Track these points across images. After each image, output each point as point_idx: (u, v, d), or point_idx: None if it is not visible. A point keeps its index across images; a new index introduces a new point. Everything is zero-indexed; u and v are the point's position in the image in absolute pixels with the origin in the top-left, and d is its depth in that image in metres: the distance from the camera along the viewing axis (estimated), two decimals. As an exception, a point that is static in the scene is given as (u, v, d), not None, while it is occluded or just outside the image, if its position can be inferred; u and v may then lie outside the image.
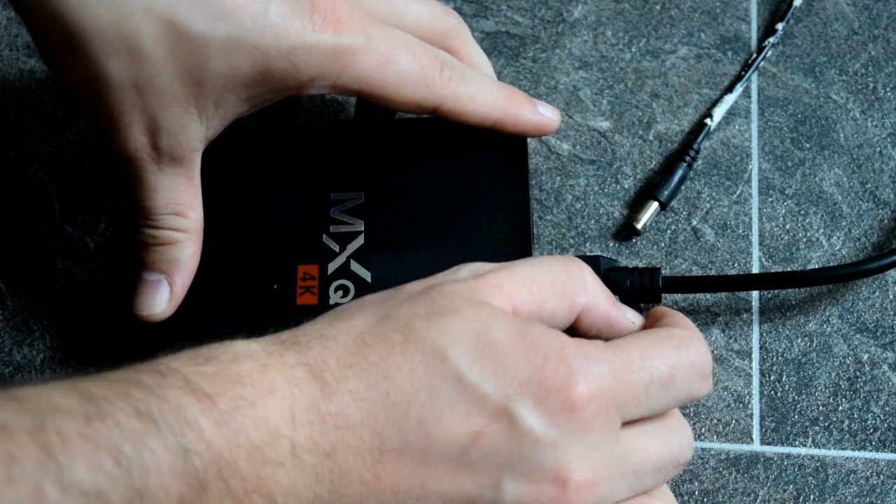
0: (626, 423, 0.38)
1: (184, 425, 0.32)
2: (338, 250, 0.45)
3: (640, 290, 0.45)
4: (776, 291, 0.48)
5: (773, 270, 0.49)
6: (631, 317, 0.42)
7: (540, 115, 0.47)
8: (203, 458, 0.32)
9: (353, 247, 0.45)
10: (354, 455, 0.35)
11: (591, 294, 0.40)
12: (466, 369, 0.35)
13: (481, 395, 0.35)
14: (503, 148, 0.47)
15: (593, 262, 0.46)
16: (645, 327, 0.42)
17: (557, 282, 0.39)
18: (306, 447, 0.34)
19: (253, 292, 0.45)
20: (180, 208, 0.44)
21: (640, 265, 0.49)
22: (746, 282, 0.47)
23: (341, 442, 0.35)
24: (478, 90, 0.45)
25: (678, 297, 0.48)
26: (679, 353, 0.39)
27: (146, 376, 0.33)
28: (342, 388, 0.35)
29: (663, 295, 0.46)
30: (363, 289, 0.44)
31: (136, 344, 0.48)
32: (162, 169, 0.43)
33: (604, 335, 0.41)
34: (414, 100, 0.44)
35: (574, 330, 0.40)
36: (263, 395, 0.34)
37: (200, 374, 0.34)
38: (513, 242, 0.45)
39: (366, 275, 0.45)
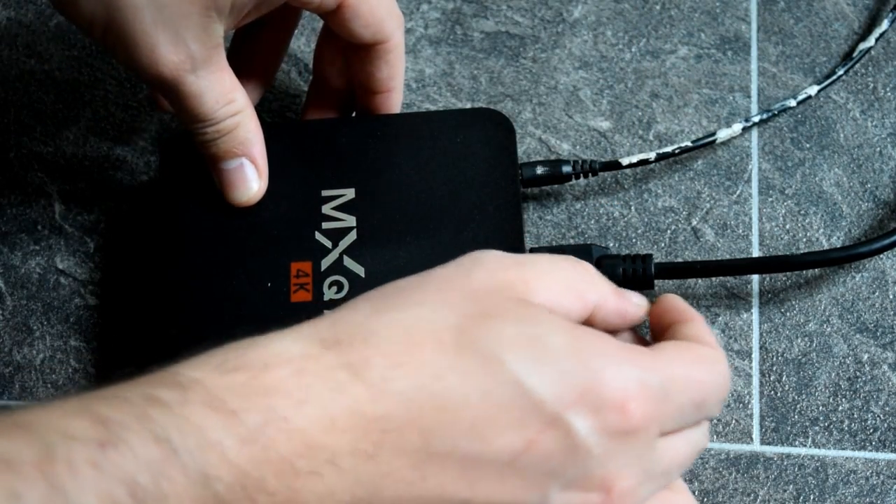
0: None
1: (206, 448, 0.31)
2: (330, 246, 0.45)
3: (632, 276, 0.46)
4: (777, 292, 0.48)
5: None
6: (636, 300, 0.41)
7: None
8: (225, 481, 0.31)
9: (345, 242, 0.45)
10: (399, 456, 0.33)
11: (600, 290, 0.40)
12: (524, 374, 0.34)
13: (538, 401, 0.34)
14: (492, 140, 0.47)
15: (585, 250, 0.46)
16: (657, 317, 0.42)
17: (569, 279, 0.39)
18: (347, 451, 0.33)
19: (247, 291, 0.45)
20: (228, 97, 0.44)
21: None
22: (738, 266, 0.47)
23: (386, 443, 0.33)
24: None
25: (671, 284, 0.48)
26: (712, 378, 0.39)
27: (166, 392, 0.32)
28: (388, 388, 0.33)
29: (656, 281, 0.46)
30: (357, 284, 0.44)
31: (136, 343, 0.48)
32: (199, 74, 0.43)
33: (618, 328, 0.41)
34: (376, 33, 0.46)
35: (588, 325, 0.40)
36: (297, 404, 0.32)
37: (226, 388, 0.32)
38: (504, 233, 0.45)
39: (359, 270, 0.45)
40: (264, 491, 0.31)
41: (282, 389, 0.33)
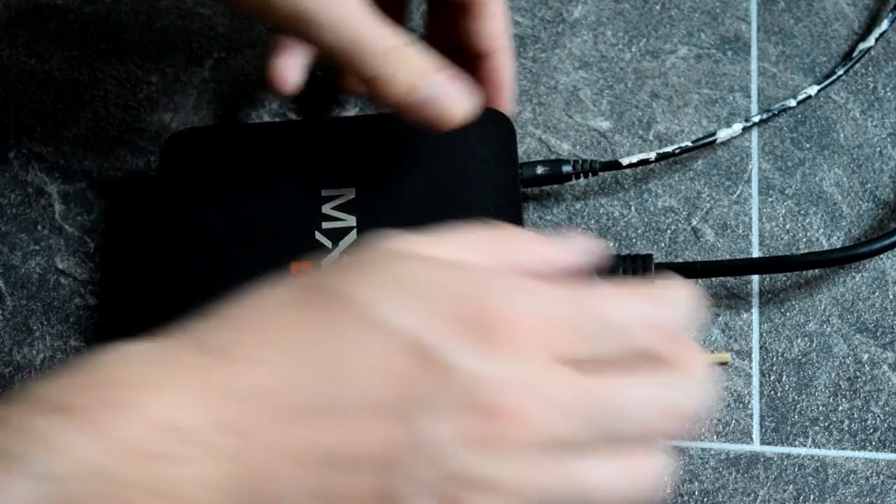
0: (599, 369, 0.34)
1: (50, 452, 0.30)
2: (331, 247, 0.45)
3: (633, 276, 0.46)
4: (777, 292, 0.48)
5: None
6: (574, 243, 0.37)
7: None
8: (77, 479, 0.30)
9: (345, 242, 0.45)
10: (268, 423, 0.32)
11: (520, 248, 0.36)
12: (387, 312, 0.33)
13: (399, 333, 0.32)
14: (492, 140, 0.47)
15: None
16: None
17: (481, 240, 0.36)
18: (210, 428, 0.31)
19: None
20: (385, 19, 0.42)
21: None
22: (739, 267, 0.47)
23: (250, 412, 0.32)
24: None
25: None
26: (637, 300, 0.34)
27: (5, 409, 0.31)
28: (245, 357, 0.32)
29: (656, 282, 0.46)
30: None
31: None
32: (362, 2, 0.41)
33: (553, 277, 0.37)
34: None
35: None
36: (148, 390, 0.31)
37: (71, 388, 0.31)
38: None
39: None
40: (123, 483, 0.30)
41: (129, 381, 0.32)
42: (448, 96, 0.43)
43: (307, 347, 0.32)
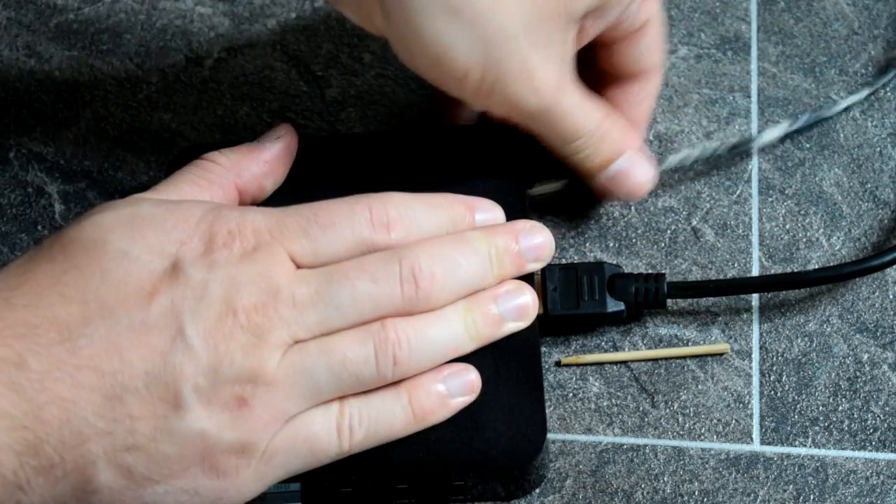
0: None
1: None
2: None
3: (645, 296, 0.46)
4: (777, 292, 0.48)
5: (773, 271, 0.49)
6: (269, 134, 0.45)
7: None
8: None
9: None
10: (47, 356, 0.35)
11: (239, 164, 0.43)
12: (129, 245, 0.37)
13: (147, 260, 0.37)
14: (502, 153, 0.46)
15: (597, 268, 0.46)
16: None
17: (202, 174, 0.43)
18: None
19: None
20: (591, 102, 0.43)
21: (642, 266, 0.49)
22: (751, 285, 0.47)
23: (30, 349, 0.35)
24: None
25: (684, 302, 0.48)
26: (346, 204, 0.40)
27: None
28: (13, 304, 0.36)
29: (668, 300, 0.46)
30: None
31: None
32: (568, 91, 0.42)
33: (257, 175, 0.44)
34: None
35: None
36: None
37: None
38: None
39: None
40: None
41: None
42: (636, 170, 0.45)
43: (61, 288, 0.37)
